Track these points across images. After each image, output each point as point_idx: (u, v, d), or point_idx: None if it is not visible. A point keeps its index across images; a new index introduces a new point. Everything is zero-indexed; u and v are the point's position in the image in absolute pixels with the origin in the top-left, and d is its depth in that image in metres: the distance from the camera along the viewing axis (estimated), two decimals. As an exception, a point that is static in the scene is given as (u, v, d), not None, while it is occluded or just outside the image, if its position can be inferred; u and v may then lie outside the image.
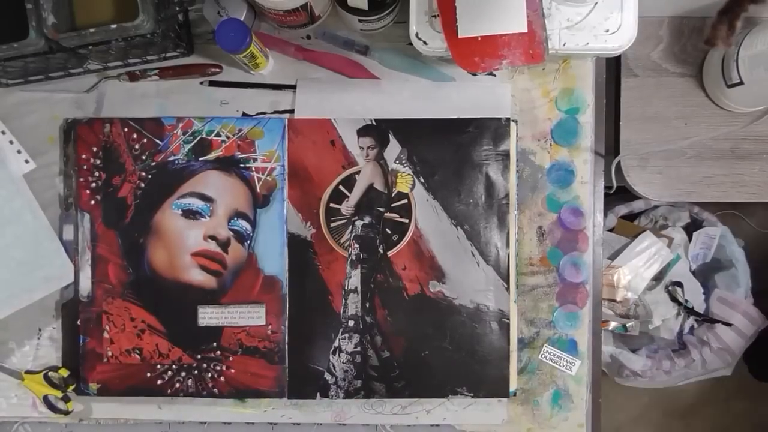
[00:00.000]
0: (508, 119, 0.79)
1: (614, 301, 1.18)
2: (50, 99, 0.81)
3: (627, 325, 1.20)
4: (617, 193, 0.87)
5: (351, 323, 0.79)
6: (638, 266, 1.16)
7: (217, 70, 0.81)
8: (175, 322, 0.79)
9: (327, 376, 0.79)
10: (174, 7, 0.76)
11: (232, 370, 0.79)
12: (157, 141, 0.80)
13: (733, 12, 0.80)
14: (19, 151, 0.81)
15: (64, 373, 0.79)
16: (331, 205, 0.79)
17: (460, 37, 0.69)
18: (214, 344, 0.79)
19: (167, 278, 0.79)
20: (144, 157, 0.80)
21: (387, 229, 0.79)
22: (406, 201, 0.79)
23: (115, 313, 0.79)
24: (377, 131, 0.79)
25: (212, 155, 0.80)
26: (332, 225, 0.79)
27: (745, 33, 0.81)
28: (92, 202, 0.80)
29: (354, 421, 0.81)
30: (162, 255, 0.79)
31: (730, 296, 1.22)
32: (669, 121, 0.90)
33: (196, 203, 0.79)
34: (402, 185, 0.79)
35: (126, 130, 0.80)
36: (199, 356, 0.79)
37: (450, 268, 0.79)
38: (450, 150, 0.79)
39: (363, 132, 0.79)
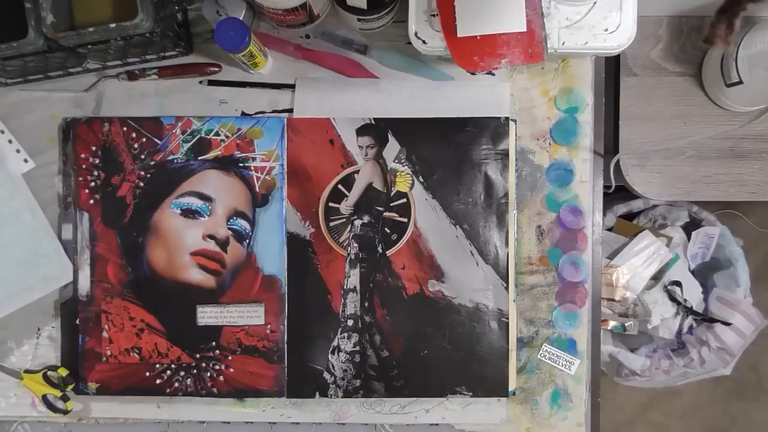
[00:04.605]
0: (507, 118, 0.79)
1: (613, 300, 1.18)
2: (49, 98, 0.81)
3: (626, 324, 1.20)
4: (616, 192, 0.87)
5: (350, 322, 0.79)
6: (637, 265, 1.16)
7: (216, 69, 0.81)
8: (174, 322, 0.79)
9: (326, 375, 0.79)
10: (173, 6, 0.76)
11: (231, 370, 0.79)
12: (156, 140, 0.80)
13: (732, 11, 0.80)
14: (18, 151, 0.81)
15: (63, 372, 0.79)
16: (330, 204, 0.79)
17: (459, 36, 0.69)
18: (213, 343, 0.79)
19: (166, 277, 0.79)
20: (143, 157, 0.80)
21: (386, 229, 0.79)
22: (405, 200, 0.79)
23: (114, 313, 0.79)
24: (376, 130, 0.79)
25: (211, 154, 0.80)
26: (331, 224, 0.79)
27: (745, 32, 0.81)
28: (91, 202, 0.80)
29: (353, 420, 0.81)
30: (161, 254, 0.79)
31: (729, 296, 1.22)
32: (668, 120, 0.90)
33: (195, 202, 0.79)
34: (401, 184, 0.79)
35: (125, 129, 0.80)
36: (198, 355, 0.79)
37: (449, 267, 0.79)
38: (449, 149, 0.79)
39: (362, 131, 0.79)
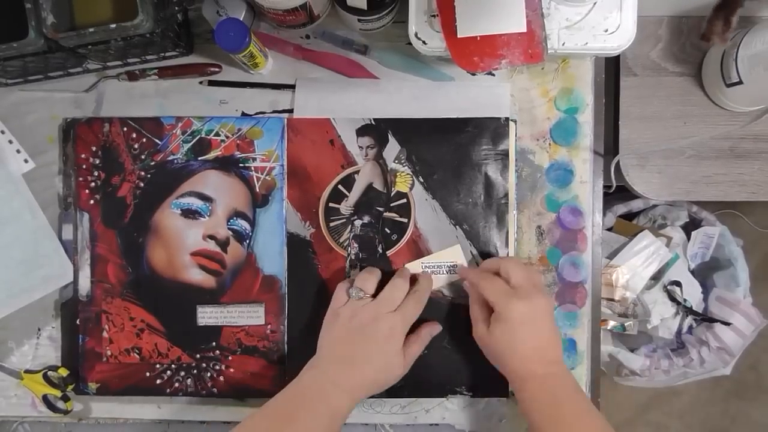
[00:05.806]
0: (507, 119, 0.79)
1: (613, 300, 1.18)
2: (49, 98, 0.81)
3: (625, 324, 1.20)
4: (616, 192, 0.87)
5: (350, 323, 0.79)
6: (637, 265, 1.17)
7: (217, 69, 0.81)
8: (174, 322, 0.79)
9: (326, 375, 0.79)
10: (173, 6, 0.76)
11: (232, 370, 0.79)
12: (157, 140, 0.80)
13: (729, 8, 0.80)
14: (18, 151, 0.81)
15: (64, 372, 0.79)
16: (330, 204, 0.79)
17: (459, 36, 0.69)
18: (214, 344, 0.79)
19: (166, 278, 0.79)
20: (143, 157, 0.80)
21: (386, 229, 0.79)
22: (405, 200, 0.79)
23: (114, 313, 0.79)
24: (376, 131, 0.79)
25: (211, 155, 0.80)
26: (331, 224, 0.79)
27: (745, 32, 0.81)
28: (91, 202, 0.80)
29: (353, 420, 0.81)
30: (161, 254, 0.79)
31: (729, 295, 1.22)
32: (668, 120, 0.90)
33: (196, 203, 0.79)
34: (401, 185, 0.79)
35: (125, 129, 0.80)
36: (198, 356, 0.79)
37: (449, 267, 0.79)
38: (449, 149, 0.79)
39: (362, 131, 0.79)
